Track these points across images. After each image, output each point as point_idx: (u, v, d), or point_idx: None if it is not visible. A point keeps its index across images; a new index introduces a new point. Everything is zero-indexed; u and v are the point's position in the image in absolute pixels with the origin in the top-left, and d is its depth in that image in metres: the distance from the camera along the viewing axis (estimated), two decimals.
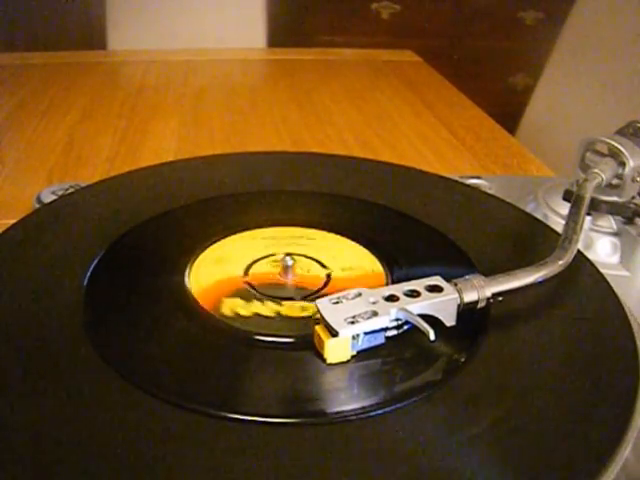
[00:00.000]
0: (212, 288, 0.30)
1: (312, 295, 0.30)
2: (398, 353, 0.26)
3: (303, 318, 0.28)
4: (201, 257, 0.32)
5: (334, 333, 0.24)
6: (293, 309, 0.29)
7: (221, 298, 0.29)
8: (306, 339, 0.26)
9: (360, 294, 0.26)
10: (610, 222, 0.39)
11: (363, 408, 0.23)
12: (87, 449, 0.21)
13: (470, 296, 0.26)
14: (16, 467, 0.20)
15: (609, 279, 0.31)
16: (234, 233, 0.35)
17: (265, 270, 0.32)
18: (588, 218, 0.39)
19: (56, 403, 0.23)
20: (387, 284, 0.31)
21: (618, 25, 0.87)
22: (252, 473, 0.21)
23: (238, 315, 0.28)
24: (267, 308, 0.29)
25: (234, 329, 0.27)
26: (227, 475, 0.21)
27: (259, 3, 1.06)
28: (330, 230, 0.35)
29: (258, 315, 0.28)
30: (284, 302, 0.29)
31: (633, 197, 0.37)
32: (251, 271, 0.32)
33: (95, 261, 0.31)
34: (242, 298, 0.29)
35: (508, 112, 0.91)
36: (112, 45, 1.02)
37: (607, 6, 0.90)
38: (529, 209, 0.41)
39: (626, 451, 0.22)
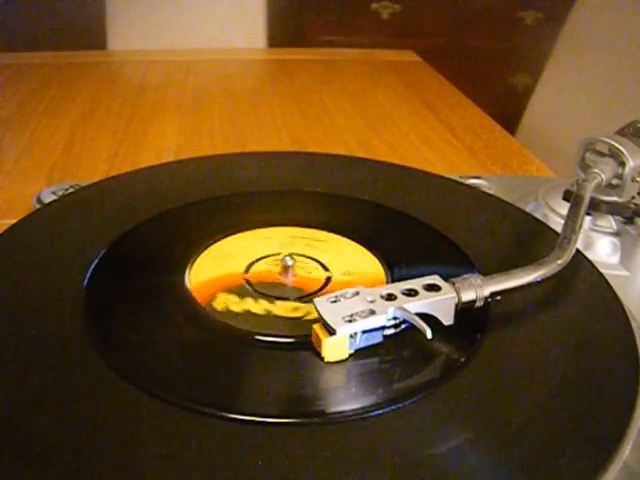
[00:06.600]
0: (209, 284, 0.30)
1: (308, 296, 0.30)
2: (396, 352, 0.26)
3: (293, 319, 0.28)
4: (202, 256, 0.32)
5: (332, 331, 0.24)
6: (285, 309, 0.29)
7: (216, 293, 0.29)
8: (304, 338, 0.26)
9: (358, 293, 0.26)
10: (610, 222, 0.39)
11: (362, 407, 0.23)
12: (87, 449, 0.21)
13: (468, 295, 0.26)
14: (14, 466, 0.20)
15: (609, 279, 0.31)
16: (235, 233, 0.35)
17: (266, 269, 0.32)
18: (588, 218, 0.39)
19: (56, 403, 0.23)
20: (386, 283, 0.31)
21: (618, 25, 0.87)
22: (250, 473, 0.21)
23: (229, 311, 0.28)
24: (259, 306, 0.29)
25: (233, 329, 0.27)
26: (225, 475, 0.21)
27: (259, 3, 1.06)
28: (330, 230, 0.35)
29: (249, 312, 0.28)
30: (277, 301, 0.29)
31: (633, 197, 0.37)
32: (252, 269, 0.32)
33: (95, 261, 0.31)
34: (237, 295, 0.30)
35: (508, 112, 0.91)
36: (112, 45, 1.02)
37: (607, 6, 0.90)
38: (529, 209, 0.41)
39: (627, 451, 0.22)
